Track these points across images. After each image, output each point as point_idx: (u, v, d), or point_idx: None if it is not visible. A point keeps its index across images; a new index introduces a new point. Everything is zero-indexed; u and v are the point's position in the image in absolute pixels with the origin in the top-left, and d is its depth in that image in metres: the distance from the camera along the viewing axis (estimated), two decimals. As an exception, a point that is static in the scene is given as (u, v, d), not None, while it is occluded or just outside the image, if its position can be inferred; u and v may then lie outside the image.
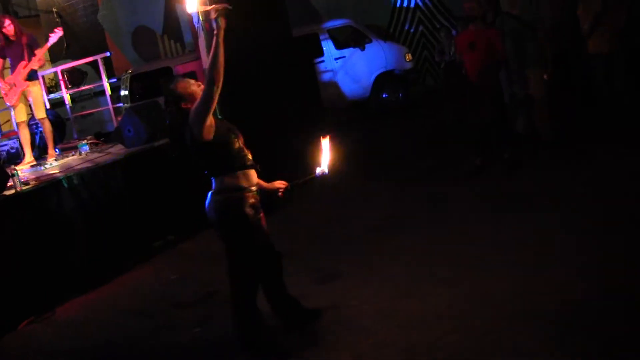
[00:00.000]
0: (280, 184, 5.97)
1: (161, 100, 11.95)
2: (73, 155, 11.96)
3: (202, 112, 5.35)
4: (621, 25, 10.69)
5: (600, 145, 10.16)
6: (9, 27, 11.38)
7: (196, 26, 10.99)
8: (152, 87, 15.68)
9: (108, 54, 16.89)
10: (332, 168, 5.91)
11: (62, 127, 14.13)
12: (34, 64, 11.43)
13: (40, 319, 8.34)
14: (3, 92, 11.65)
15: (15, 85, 11.45)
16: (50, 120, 12.36)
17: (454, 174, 10.84)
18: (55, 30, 11.91)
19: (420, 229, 8.56)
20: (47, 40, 11.99)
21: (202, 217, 5.83)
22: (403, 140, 14.32)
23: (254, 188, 5.69)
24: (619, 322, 5.31)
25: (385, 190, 10.83)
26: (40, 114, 11.76)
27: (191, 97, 5.54)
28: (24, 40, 11.48)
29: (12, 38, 11.46)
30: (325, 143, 5.96)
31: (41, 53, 11.55)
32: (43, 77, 15.29)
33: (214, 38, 5.34)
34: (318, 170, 5.95)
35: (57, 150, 12.51)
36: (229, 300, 5.97)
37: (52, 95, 15.62)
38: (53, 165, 11.25)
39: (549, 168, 9.94)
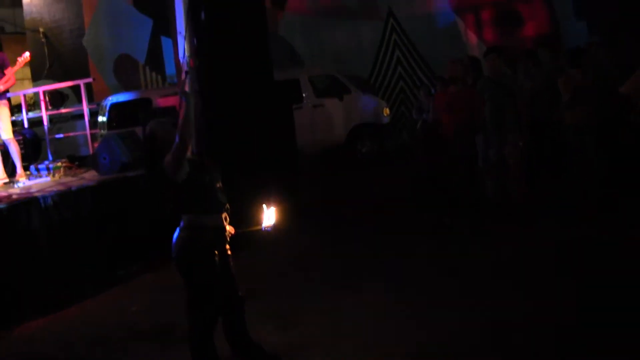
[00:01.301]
0: (229, 228, 6.03)
1: (139, 130, 12.01)
2: (46, 176, 11.98)
3: (174, 166, 5.45)
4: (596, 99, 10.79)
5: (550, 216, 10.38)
6: None
7: (181, 61, 11.10)
8: (130, 116, 15.69)
9: (91, 79, 16.94)
10: (276, 228, 5.98)
11: (38, 147, 14.16)
12: (1, 85, 11.43)
13: (-3, 336, 8.31)
14: None
15: None
16: (28, 139, 12.39)
17: (416, 229, 10.98)
18: (23, 54, 11.91)
19: (380, 282, 8.65)
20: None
21: (168, 250, 5.90)
22: (373, 192, 14.36)
23: (219, 229, 5.76)
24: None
25: (352, 239, 10.88)
26: (5, 134, 11.71)
27: (168, 145, 5.59)
28: None
29: None
30: (270, 212, 6.06)
31: (10, 73, 11.53)
32: (24, 95, 15.34)
33: (186, 104, 5.45)
34: (265, 223, 6.01)
35: (32, 168, 12.52)
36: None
37: (30, 114, 15.63)
38: (25, 184, 11.27)
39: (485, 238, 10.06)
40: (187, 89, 5.53)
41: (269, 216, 5.99)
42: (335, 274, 9.22)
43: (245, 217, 6.21)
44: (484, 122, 10.96)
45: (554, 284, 7.86)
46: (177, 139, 5.37)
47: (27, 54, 11.93)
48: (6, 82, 11.48)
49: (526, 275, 8.30)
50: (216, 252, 5.71)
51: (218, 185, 5.77)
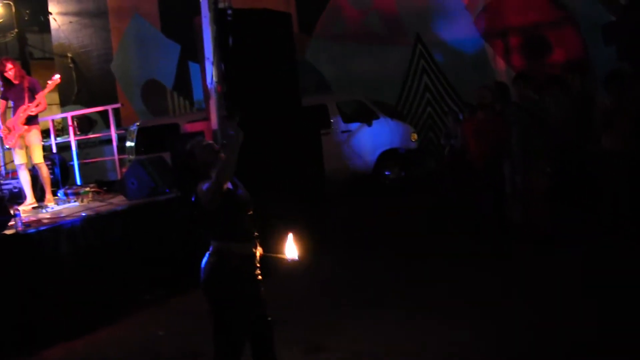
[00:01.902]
0: (259, 250, 6.02)
1: (167, 155, 12.04)
2: (74, 201, 12.02)
3: (208, 199, 5.44)
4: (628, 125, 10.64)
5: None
6: (9, 71, 11.53)
7: (209, 87, 11.11)
8: (158, 142, 15.74)
9: (119, 105, 17.05)
10: (301, 257, 5.93)
11: (67, 171, 14.24)
12: (33, 109, 11.52)
13: (25, 360, 8.32)
14: (3, 135, 11.77)
15: (14, 128, 11.56)
16: (56, 163, 12.46)
17: (441, 254, 10.93)
18: (53, 77, 12.02)
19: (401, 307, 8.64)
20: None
21: (196, 275, 5.87)
22: (399, 217, 14.35)
23: (248, 256, 5.73)
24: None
25: (376, 265, 10.85)
26: (36, 159, 11.80)
27: (205, 166, 5.61)
28: (26, 83, 11.63)
29: (14, 81, 11.60)
30: (290, 240, 6.01)
31: (41, 97, 11.63)
32: (53, 120, 15.44)
33: (230, 147, 5.45)
34: (289, 255, 5.97)
35: (61, 193, 12.59)
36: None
37: (59, 140, 15.73)
38: (54, 209, 11.32)
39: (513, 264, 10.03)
40: (230, 131, 5.45)
41: (292, 249, 5.94)
42: (360, 299, 9.22)
43: (271, 242, 6.17)
44: (511, 148, 10.92)
45: (574, 306, 7.89)
46: (214, 177, 5.36)
47: (57, 76, 12.05)
48: (37, 106, 11.57)
49: (548, 297, 8.35)
50: (244, 277, 5.67)
51: (249, 213, 5.74)
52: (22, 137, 11.67)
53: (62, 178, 13.72)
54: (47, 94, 11.87)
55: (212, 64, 11.01)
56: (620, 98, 10.60)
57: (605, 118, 10.63)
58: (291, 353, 7.33)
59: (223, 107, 10.80)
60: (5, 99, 11.85)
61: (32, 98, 11.57)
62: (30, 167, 12.07)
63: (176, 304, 10.08)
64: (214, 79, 11.00)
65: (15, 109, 11.69)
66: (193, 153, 5.70)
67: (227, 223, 5.53)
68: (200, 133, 11.45)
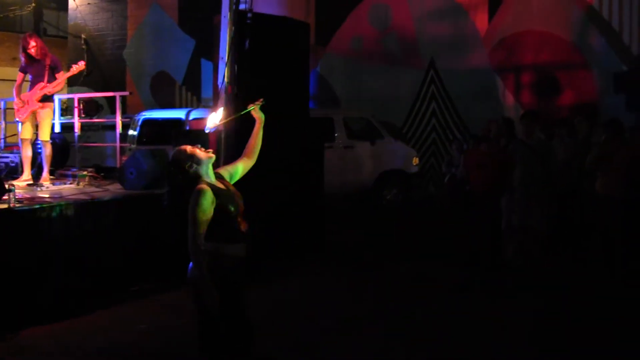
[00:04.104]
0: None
1: (169, 149, 12.02)
2: (70, 183, 11.99)
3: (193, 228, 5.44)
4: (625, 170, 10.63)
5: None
6: (32, 48, 11.54)
7: (219, 87, 11.12)
8: (161, 134, 15.70)
9: (128, 93, 17.01)
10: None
11: (67, 152, 14.21)
12: (51, 88, 11.54)
13: (2, 338, 8.28)
14: (16, 107, 11.76)
15: (27, 103, 11.57)
16: (57, 143, 12.44)
17: (434, 284, 10.89)
18: (80, 62, 12.03)
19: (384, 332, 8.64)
20: (69, 66, 12.10)
21: (183, 273, 5.84)
22: (394, 241, 14.31)
23: (239, 258, 5.70)
24: None
25: (366, 286, 10.83)
26: (44, 136, 11.80)
27: (195, 172, 5.64)
28: (48, 61, 11.64)
29: (36, 57, 11.60)
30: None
31: (62, 79, 11.66)
32: (60, 100, 15.42)
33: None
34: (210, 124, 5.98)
35: (58, 174, 12.58)
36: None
37: (63, 120, 15.69)
38: (49, 188, 11.29)
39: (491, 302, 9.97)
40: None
41: (215, 118, 5.95)
42: (345, 319, 9.14)
43: (266, 247, 6.16)
44: (511, 184, 10.93)
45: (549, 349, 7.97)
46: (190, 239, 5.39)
47: (82, 62, 12.07)
48: (56, 86, 11.60)
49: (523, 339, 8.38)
50: (235, 280, 5.65)
51: (241, 212, 5.72)
52: (34, 113, 11.66)
53: (61, 158, 13.68)
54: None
55: (226, 64, 11.02)
56: (616, 144, 10.64)
57: (600, 163, 10.67)
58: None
59: (231, 109, 10.79)
60: (24, 72, 11.87)
61: (52, 77, 11.59)
62: (33, 142, 12.05)
63: (163, 299, 10.04)
64: (226, 79, 11.01)
65: (32, 84, 11.70)
66: (177, 159, 5.68)
67: (220, 224, 5.51)
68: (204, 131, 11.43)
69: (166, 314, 9.37)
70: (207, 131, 5.94)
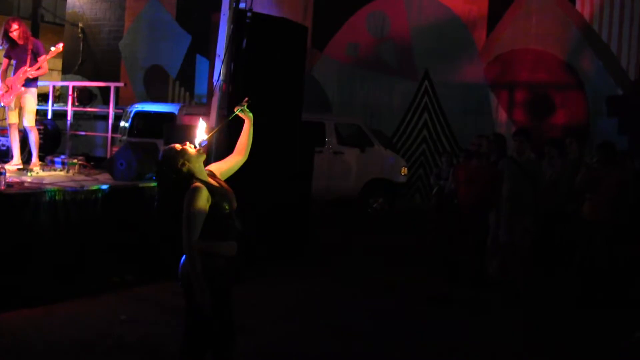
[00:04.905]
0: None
1: (160, 143, 12.03)
2: (60, 170, 11.96)
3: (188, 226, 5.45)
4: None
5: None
6: (14, 31, 11.51)
7: (214, 84, 11.12)
8: (152, 127, 15.71)
9: (122, 84, 17.01)
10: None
11: (58, 139, 14.20)
12: (33, 72, 11.52)
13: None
14: (1, 92, 11.75)
15: (11, 87, 11.56)
16: (49, 130, 12.42)
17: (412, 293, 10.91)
18: (57, 44, 12.01)
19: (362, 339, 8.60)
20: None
21: (167, 268, 5.81)
22: (377, 251, 14.24)
23: (231, 257, 5.68)
24: None
25: (348, 293, 10.80)
26: (28, 122, 11.76)
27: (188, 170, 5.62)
28: (30, 45, 11.61)
29: (18, 41, 11.59)
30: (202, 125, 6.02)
31: (43, 61, 11.60)
32: (54, 86, 15.41)
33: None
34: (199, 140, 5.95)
35: (48, 160, 12.56)
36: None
37: (55, 107, 15.68)
38: (39, 174, 11.27)
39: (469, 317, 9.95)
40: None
41: (202, 134, 5.89)
42: (324, 325, 9.12)
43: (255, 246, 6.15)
44: (499, 200, 10.97)
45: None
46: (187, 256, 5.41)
47: (60, 44, 12.06)
48: (37, 69, 11.56)
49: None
50: (226, 279, 5.63)
51: (234, 209, 5.70)
52: (18, 97, 11.64)
53: (51, 145, 13.67)
54: (50, 60, 11.85)
55: (222, 61, 11.03)
56: (607, 168, 10.66)
57: (589, 185, 10.68)
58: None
59: (224, 107, 10.80)
60: (9, 57, 11.83)
61: (34, 60, 11.55)
62: (21, 128, 12.02)
63: (143, 292, 10.02)
64: (221, 77, 11.02)
65: (16, 68, 11.66)
66: (168, 157, 5.64)
67: (215, 222, 5.49)
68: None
69: (147, 306, 9.35)
70: (197, 146, 5.85)
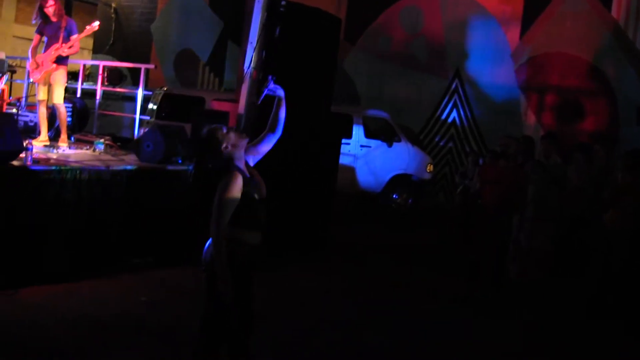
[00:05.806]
0: None
1: (187, 126, 12.01)
2: (87, 149, 11.98)
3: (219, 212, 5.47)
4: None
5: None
6: (50, 7, 11.49)
7: (245, 71, 11.11)
8: (180, 111, 15.73)
9: (153, 66, 17.00)
10: None
11: (86, 118, 14.24)
12: (65, 50, 11.52)
13: (1, 294, 8.31)
14: (30, 68, 11.80)
15: (42, 64, 11.58)
16: (77, 108, 12.44)
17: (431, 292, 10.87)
18: (92, 23, 11.99)
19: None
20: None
21: (194, 252, 5.80)
22: (399, 248, 14.20)
23: (255, 246, 5.67)
24: None
25: (367, 289, 10.80)
26: (57, 99, 11.78)
27: (228, 152, 5.62)
28: (63, 23, 11.60)
29: (52, 18, 11.59)
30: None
31: (76, 40, 11.57)
32: (84, 65, 15.44)
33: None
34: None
35: (72, 138, 12.59)
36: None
37: (85, 85, 15.71)
38: (65, 152, 11.30)
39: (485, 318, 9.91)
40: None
41: None
42: (342, 319, 9.11)
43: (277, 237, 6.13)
44: (523, 203, 10.91)
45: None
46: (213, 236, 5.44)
47: (96, 23, 12.01)
48: (70, 47, 11.56)
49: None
50: (250, 267, 5.63)
51: (264, 201, 5.69)
52: (48, 74, 11.66)
53: (79, 123, 13.71)
54: (82, 39, 11.87)
55: (254, 49, 11.02)
56: (631, 177, 10.53)
57: (613, 195, 10.53)
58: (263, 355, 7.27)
59: (254, 94, 10.80)
60: (41, 34, 11.82)
61: (66, 39, 11.53)
62: (50, 105, 12.05)
63: (164, 275, 10.07)
64: (252, 64, 11.01)
65: (47, 45, 11.67)
66: (213, 137, 5.63)
67: (244, 210, 5.48)
68: (226, 113, 11.44)
69: (167, 289, 9.42)
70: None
